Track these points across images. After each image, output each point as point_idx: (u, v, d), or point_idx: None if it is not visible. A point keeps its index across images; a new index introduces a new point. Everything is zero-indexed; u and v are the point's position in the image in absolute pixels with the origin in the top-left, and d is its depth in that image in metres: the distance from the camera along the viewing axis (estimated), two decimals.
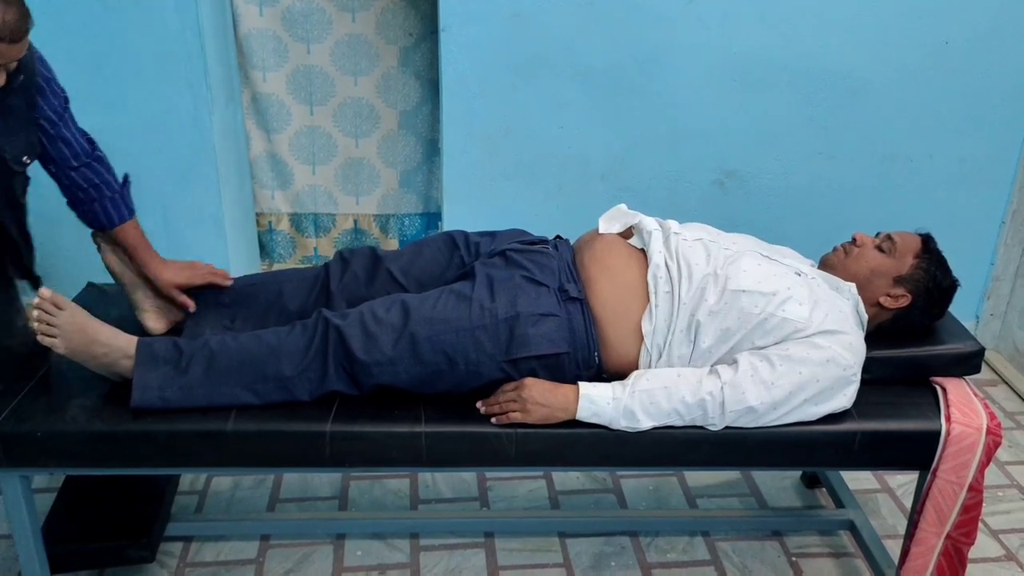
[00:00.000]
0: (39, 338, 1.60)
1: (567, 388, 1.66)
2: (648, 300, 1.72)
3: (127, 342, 1.67)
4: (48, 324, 1.60)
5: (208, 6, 2.62)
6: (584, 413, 1.64)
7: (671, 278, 1.72)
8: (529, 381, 1.66)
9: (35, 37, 2.56)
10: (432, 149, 3.15)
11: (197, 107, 2.68)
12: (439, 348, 1.66)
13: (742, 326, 1.67)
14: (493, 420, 1.66)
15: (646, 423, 1.64)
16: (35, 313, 1.60)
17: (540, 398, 1.64)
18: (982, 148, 2.82)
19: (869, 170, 2.83)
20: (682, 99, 2.72)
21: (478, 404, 1.69)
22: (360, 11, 2.94)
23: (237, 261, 2.95)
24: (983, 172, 2.85)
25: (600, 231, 1.87)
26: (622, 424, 1.65)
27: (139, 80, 2.64)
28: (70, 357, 1.64)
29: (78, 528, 1.93)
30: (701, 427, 1.66)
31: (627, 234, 1.87)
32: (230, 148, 2.89)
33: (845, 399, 1.68)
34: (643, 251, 1.79)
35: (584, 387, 1.66)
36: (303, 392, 1.67)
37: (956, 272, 1.85)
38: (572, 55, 2.66)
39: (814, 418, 1.67)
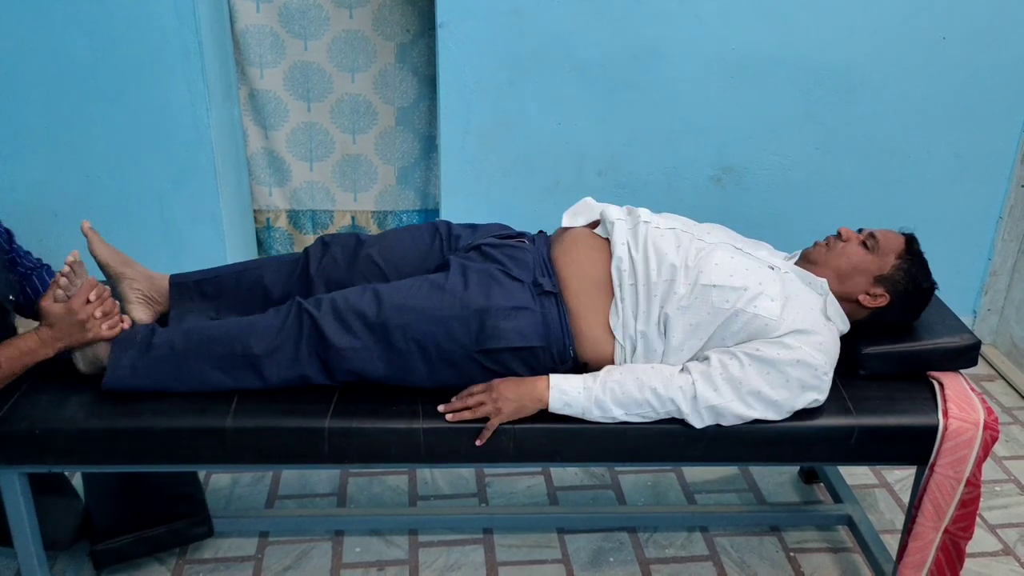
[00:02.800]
0: (55, 292, 1.62)
1: (537, 380, 1.67)
2: (614, 293, 1.72)
3: None
4: (72, 285, 1.63)
5: (205, 2, 2.61)
6: (556, 404, 1.65)
7: (635, 271, 1.71)
8: (496, 381, 1.67)
9: (34, 35, 2.57)
10: (430, 145, 3.15)
11: (195, 104, 2.67)
12: (411, 336, 1.66)
13: (712, 321, 1.67)
14: (448, 417, 1.66)
15: (617, 412, 1.64)
16: (65, 269, 1.63)
17: (510, 393, 1.64)
18: (979, 143, 2.82)
19: (866, 165, 2.83)
20: (679, 95, 2.72)
21: (440, 408, 1.68)
22: (357, 7, 2.93)
23: (235, 258, 2.94)
24: (980, 167, 2.85)
25: (564, 225, 1.87)
26: (595, 414, 1.65)
27: (137, 77, 2.64)
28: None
29: (130, 519, 1.97)
30: (686, 423, 1.66)
31: (598, 225, 1.86)
32: (228, 145, 2.88)
33: (814, 396, 1.68)
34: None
35: (555, 378, 1.66)
36: (272, 374, 1.67)
37: (953, 267, 1.85)
38: (569, 51, 2.65)
39: (783, 416, 1.67)
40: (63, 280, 1.62)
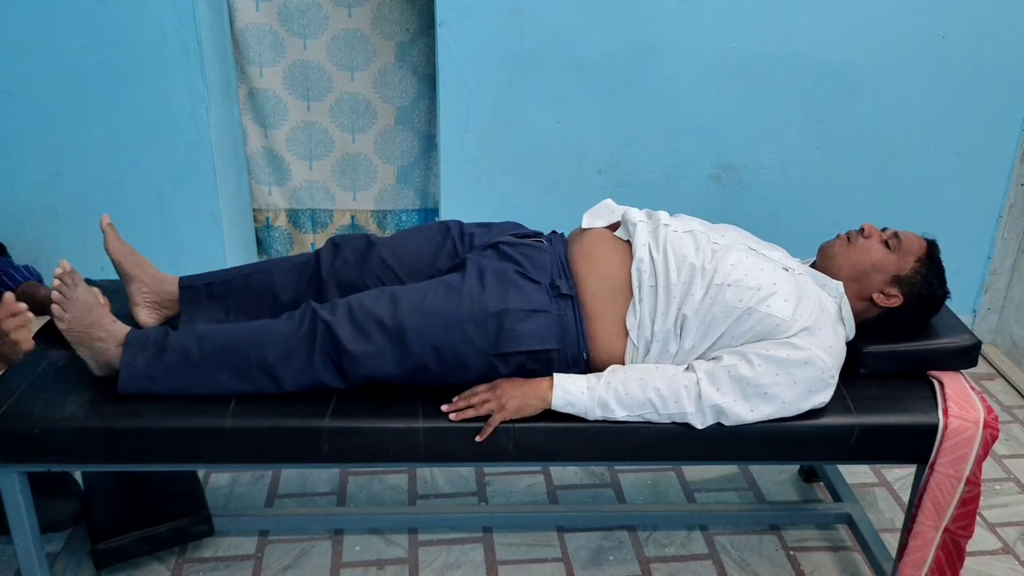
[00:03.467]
0: (52, 307, 1.60)
1: (542, 379, 1.67)
2: (632, 294, 1.72)
3: (122, 330, 1.68)
4: (65, 297, 1.62)
5: (205, 2, 2.62)
6: (559, 402, 1.65)
7: (655, 272, 1.71)
8: (500, 380, 1.67)
9: (34, 35, 2.57)
10: (429, 144, 3.15)
11: (194, 103, 2.67)
12: (428, 340, 1.65)
13: (725, 319, 1.66)
14: (452, 416, 1.66)
15: (620, 413, 1.64)
16: (56, 283, 1.61)
17: (514, 391, 1.64)
18: (978, 143, 2.82)
19: (866, 164, 2.84)
20: (679, 94, 2.72)
21: (443, 407, 1.67)
22: (357, 6, 2.93)
23: (234, 257, 2.95)
24: (980, 166, 2.85)
25: (583, 227, 1.87)
26: (597, 414, 1.65)
27: (136, 76, 2.64)
28: (66, 334, 1.64)
29: (130, 518, 1.98)
30: (687, 425, 1.66)
31: (618, 227, 1.86)
32: (227, 144, 2.88)
33: (821, 398, 1.68)
34: (630, 243, 1.79)
35: (559, 378, 1.66)
36: (287, 380, 1.66)
37: (953, 266, 1.85)
38: (569, 50, 2.65)
39: (790, 414, 1.67)
40: (60, 298, 1.60)
